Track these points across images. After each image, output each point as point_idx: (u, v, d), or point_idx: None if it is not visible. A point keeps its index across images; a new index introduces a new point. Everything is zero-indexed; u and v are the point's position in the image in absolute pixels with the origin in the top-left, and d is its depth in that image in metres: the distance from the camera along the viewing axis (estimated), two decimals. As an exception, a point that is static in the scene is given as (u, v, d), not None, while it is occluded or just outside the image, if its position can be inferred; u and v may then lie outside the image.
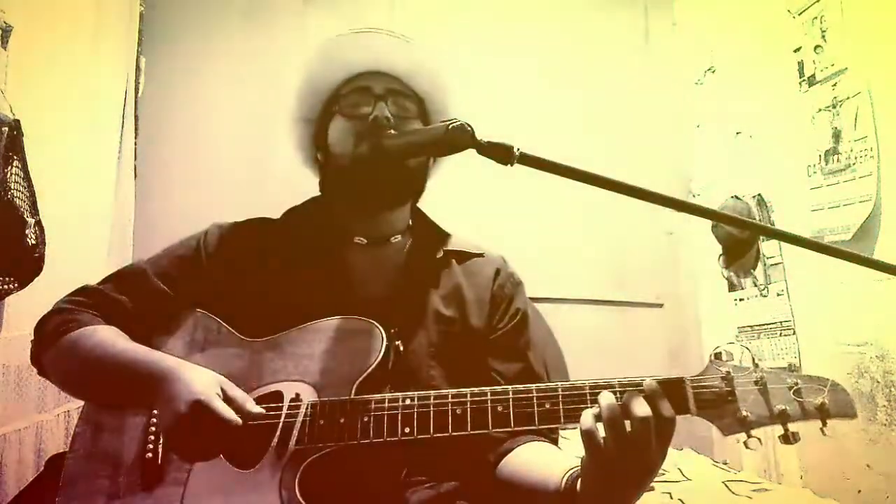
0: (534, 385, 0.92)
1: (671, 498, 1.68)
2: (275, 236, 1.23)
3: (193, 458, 0.95)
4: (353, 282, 1.18)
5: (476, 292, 1.21)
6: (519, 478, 1.04)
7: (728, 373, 0.89)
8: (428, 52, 1.22)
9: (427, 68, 1.21)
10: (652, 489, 1.74)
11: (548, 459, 1.03)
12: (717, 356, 0.92)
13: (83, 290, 1.15)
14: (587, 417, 0.83)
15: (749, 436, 0.87)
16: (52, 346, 1.07)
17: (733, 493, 1.73)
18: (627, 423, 0.81)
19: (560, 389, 0.90)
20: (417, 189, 1.26)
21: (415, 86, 1.21)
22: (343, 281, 1.17)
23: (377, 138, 1.10)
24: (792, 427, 0.86)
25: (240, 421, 0.91)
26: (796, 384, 0.87)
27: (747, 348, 0.95)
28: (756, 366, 0.90)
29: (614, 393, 0.86)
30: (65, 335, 1.06)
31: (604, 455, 0.82)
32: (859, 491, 2.02)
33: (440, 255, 1.24)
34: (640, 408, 0.81)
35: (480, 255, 1.28)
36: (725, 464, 2.24)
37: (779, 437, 0.87)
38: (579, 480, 0.88)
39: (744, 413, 0.87)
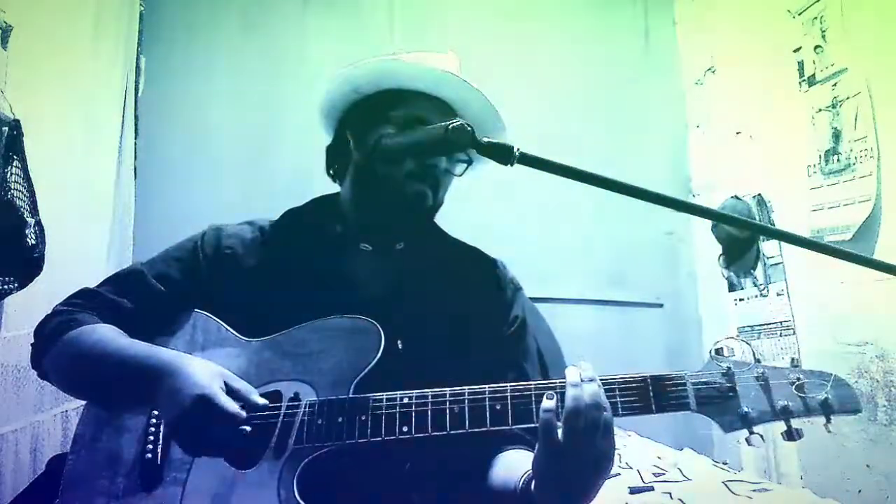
0: (532, 383, 0.93)
1: (671, 498, 1.68)
2: (273, 238, 1.22)
3: (199, 453, 0.95)
4: (353, 285, 1.18)
5: (476, 298, 1.21)
6: (491, 483, 1.04)
7: (729, 368, 0.88)
8: (492, 102, 1.21)
9: (488, 113, 1.21)
10: (652, 489, 1.73)
11: (515, 460, 1.03)
12: (718, 352, 0.91)
13: (82, 293, 1.15)
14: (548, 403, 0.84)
15: (751, 432, 0.85)
16: (53, 346, 1.07)
17: (733, 493, 1.72)
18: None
19: (558, 386, 0.90)
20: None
21: (465, 116, 1.19)
22: (343, 284, 1.17)
23: (379, 139, 1.10)
24: (795, 423, 0.85)
25: (244, 414, 0.91)
26: (798, 379, 0.86)
27: (747, 343, 0.94)
28: (757, 361, 0.89)
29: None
30: (65, 334, 1.06)
31: (556, 442, 0.82)
32: (859, 491, 2.02)
33: (442, 259, 1.25)
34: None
35: (483, 259, 1.28)
36: (725, 464, 2.23)
37: (781, 433, 0.85)
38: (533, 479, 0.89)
39: (745, 409, 0.86)
